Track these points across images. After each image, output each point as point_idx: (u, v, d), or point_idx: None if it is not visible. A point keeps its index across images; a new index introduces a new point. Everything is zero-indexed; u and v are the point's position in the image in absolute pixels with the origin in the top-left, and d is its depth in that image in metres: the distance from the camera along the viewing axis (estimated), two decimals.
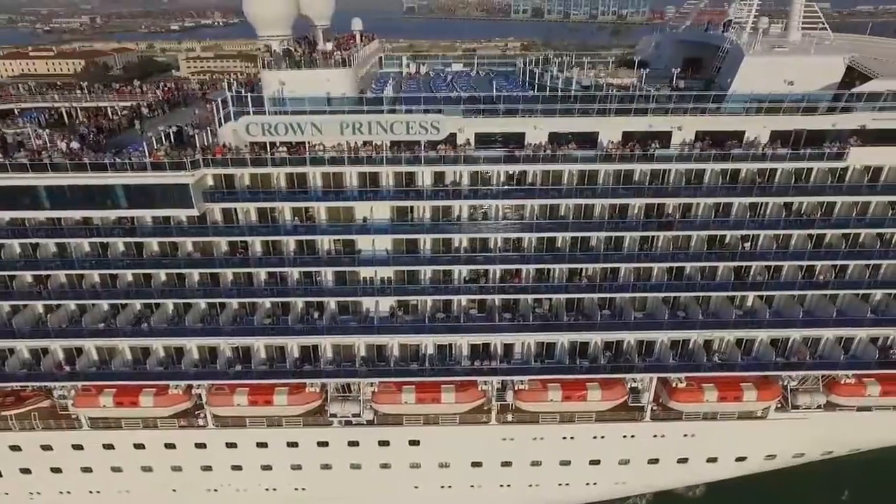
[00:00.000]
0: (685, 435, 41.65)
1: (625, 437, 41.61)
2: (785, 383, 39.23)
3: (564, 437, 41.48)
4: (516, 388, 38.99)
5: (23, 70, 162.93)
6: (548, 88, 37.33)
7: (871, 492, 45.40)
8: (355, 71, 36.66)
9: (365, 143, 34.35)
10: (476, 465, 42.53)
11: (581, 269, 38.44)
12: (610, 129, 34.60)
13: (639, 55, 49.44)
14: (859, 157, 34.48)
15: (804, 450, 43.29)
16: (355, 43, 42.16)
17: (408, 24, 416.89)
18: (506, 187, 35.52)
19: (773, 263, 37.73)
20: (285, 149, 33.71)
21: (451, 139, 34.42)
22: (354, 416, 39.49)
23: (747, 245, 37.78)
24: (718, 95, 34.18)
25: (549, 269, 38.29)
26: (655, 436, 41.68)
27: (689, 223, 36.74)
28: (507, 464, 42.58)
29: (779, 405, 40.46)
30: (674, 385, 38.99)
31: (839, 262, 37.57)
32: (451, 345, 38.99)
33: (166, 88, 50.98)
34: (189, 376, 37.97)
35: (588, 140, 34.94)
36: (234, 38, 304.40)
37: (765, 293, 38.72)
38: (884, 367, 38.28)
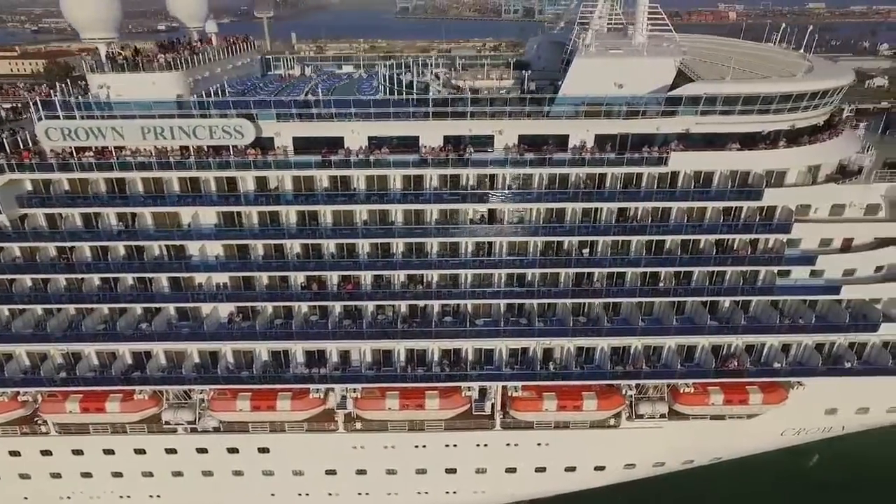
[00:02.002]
0: (539, 444, 41.00)
1: (478, 445, 40.98)
2: (624, 392, 38.54)
3: (417, 446, 40.87)
4: (354, 397, 38.43)
5: None
6: (396, 92, 36.68)
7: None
8: (185, 74, 36.09)
9: (181, 148, 33.88)
10: (330, 472, 41.97)
11: (421, 276, 37.83)
12: (430, 134, 34.00)
13: (525, 56, 49.05)
14: (681, 162, 33.83)
15: (663, 459, 42.56)
16: (206, 46, 41.54)
17: (399, 24, 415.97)
18: (330, 193, 35.03)
19: (608, 270, 37.10)
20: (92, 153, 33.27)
21: (268, 143, 34.06)
22: (190, 423, 38.96)
23: (586, 251, 37.09)
24: (537, 98, 33.57)
25: (388, 276, 37.76)
26: (509, 444, 41.03)
27: (524, 228, 36.15)
28: (362, 472, 42.01)
29: (629, 415, 39.82)
30: (510, 394, 38.34)
31: (674, 269, 36.93)
32: (285, 352, 38.38)
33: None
34: (16, 383, 37.47)
35: (414, 145, 34.38)
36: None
37: (606, 300, 38.00)
38: (722, 375, 37.60)
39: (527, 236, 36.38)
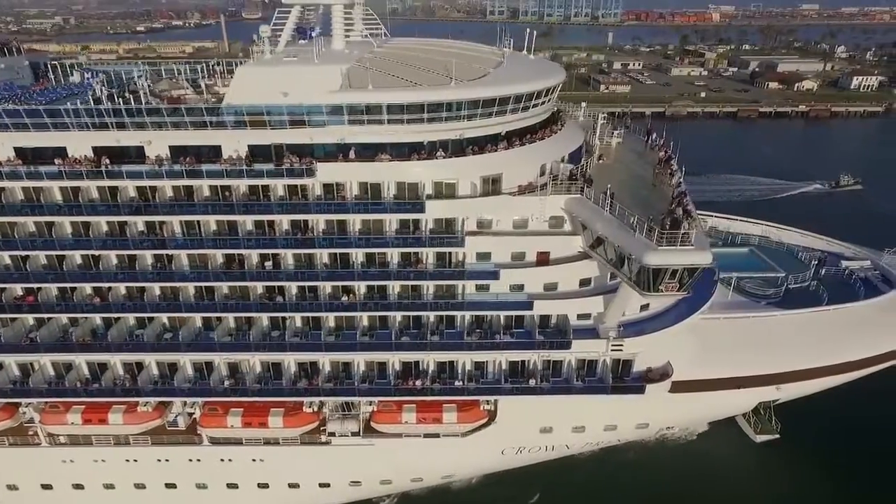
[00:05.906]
0: (254, 459, 39.82)
1: (191, 460, 39.81)
2: (306, 408, 37.37)
3: (128, 460, 39.90)
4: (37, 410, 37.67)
5: None
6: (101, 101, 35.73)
7: None
8: None
9: None
10: (46, 487, 41.12)
11: (108, 288, 36.80)
12: (77, 144, 33.04)
13: None
14: (331, 173, 32.70)
15: (387, 476, 41.24)
16: None
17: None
18: None
19: (297, 284, 36.05)
20: None
21: None
22: None
23: (269, 264, 35.98)
24: (175, 108, 32.49)
25: (72, 288, 36.81)
26: (223, 460, 39.79)
27: (198, 241, 35.03)
28: (79, 486, 41.11)
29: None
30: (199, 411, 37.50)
31: (366, 283, 36.00)
32: None
33: None
34: None
35: (60, 156, 33.41)
36: (199, 38, 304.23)
37: (290, 314, 36.95)
38: (403, 393, 36.36)
39: (205, 249, 35.31)
